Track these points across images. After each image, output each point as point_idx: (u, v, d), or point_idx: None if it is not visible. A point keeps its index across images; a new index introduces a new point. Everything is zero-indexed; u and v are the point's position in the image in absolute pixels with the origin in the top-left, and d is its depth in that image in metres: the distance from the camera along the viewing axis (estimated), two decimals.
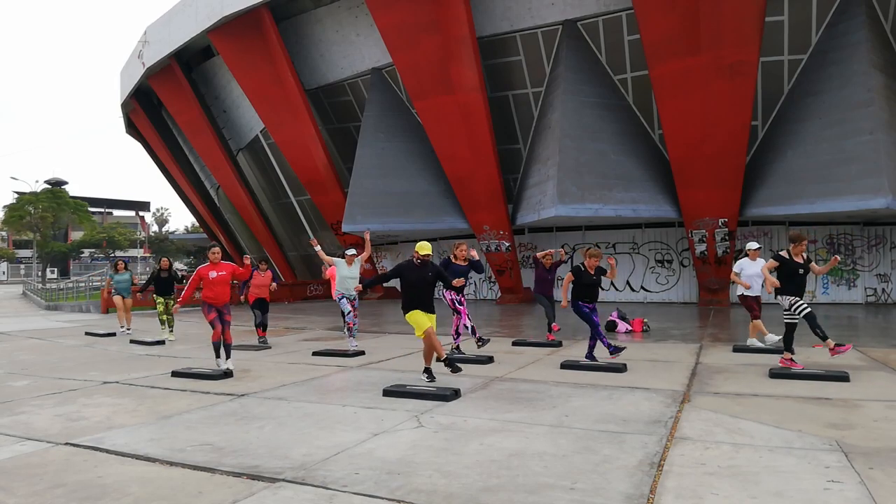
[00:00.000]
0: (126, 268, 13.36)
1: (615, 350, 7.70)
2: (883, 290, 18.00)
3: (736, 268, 9.16)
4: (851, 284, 18.16)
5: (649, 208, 17.35)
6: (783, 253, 7.22)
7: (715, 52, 14.69)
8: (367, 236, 10.29)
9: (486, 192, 18.96)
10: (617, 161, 17.27)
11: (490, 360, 8.17)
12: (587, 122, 17.30)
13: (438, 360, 6.65)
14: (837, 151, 15.10)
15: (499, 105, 19.36)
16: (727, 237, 17.16)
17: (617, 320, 11.83)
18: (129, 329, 12.72)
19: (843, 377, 6.55)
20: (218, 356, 7.75)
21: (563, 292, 8.18)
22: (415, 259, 6.87)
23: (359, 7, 19.68)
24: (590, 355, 7.81)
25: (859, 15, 15.23)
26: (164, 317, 11.60)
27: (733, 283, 9.26)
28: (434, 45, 17.58)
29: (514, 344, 9.82)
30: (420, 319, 6.68)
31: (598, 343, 7.84)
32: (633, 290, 20.21)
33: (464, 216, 19.82)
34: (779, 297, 7.16)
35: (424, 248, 6.85)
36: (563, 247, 21.15)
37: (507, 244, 19.72)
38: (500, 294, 21.24)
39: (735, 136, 15.47)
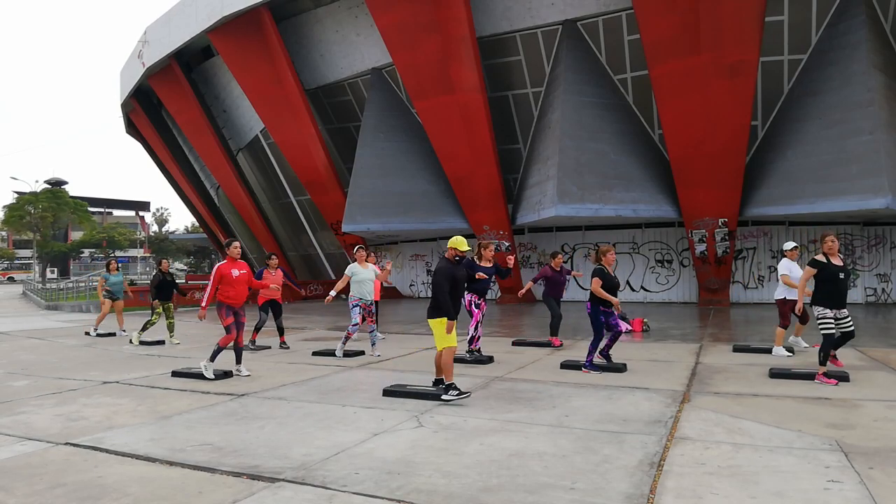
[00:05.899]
0: (118, 268, 13.07)
1: (593, 367, 7.35)
2: (883, 290, 18.00)
3: (783, 269, 8.38)
4: (851, 284, 18.15)
5: (649, 208, 17.35)
6: (819, 257, 6.61)
7: (715, 52, 14.69)
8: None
9: (486, 192, 18.95)
10: (617, 161, 17.27)
11: (490, 359, 8.19)
12: (587, 122, 17.30)
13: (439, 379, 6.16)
14: (837, 151, 15.10)
15: (499, 105, 19.36)
16: (727, 237, 17.16)
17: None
18: (124, 330, 12.35)
19: (843, 377, 6.55)
20: (239, 361, 7.51)
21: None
22: (453, 256, 6.22)
23: (359, 7, 19.68)
24: (594, 359, 7.46)
25: (859, 15, 15.22)
26: (170, 321, 11.17)
27: (785, 285, 8.27)
28: (434, 45, 17.58)
29: (514, 344, 9.83)
30: (450, 334, 5.99)
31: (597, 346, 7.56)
32: (633, 290, 20.20)
33: (464, 216, 19.82)
34: (815, 307, 6.60)
35: (463, 243, 6.22)
36: (562, 247, 21.16)
37: (507, 244, 19.72)
38: (500, 294, 21.24)
39: (735, 136, 15.46)
